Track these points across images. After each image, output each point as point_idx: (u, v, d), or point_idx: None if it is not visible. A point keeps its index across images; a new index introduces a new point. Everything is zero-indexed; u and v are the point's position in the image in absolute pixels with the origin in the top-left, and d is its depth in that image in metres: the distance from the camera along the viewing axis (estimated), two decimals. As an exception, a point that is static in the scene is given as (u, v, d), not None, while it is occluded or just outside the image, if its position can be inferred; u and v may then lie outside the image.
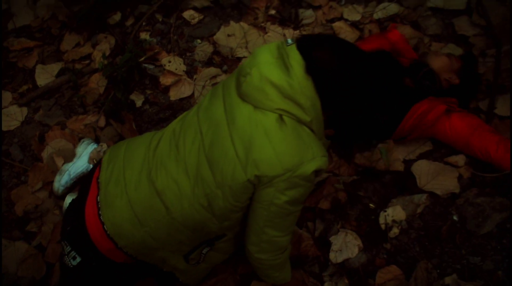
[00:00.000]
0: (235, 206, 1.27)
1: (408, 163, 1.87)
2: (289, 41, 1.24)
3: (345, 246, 1.70)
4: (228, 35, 2.38)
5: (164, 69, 2.29)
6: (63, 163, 2.00)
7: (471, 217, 1.69)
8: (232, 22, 2.42)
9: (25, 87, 2.35)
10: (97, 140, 2.12)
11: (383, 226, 1.73)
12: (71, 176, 1.92)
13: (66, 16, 2.51)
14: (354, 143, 1.96)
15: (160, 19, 2.51)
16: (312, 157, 1.19)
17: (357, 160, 1.90)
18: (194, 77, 2.27)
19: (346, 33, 2.32)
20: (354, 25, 2.37)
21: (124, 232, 1.30)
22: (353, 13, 2.41)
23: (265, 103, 1.19)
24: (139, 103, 2.22)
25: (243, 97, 1.23)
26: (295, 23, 2.44)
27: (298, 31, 2.38)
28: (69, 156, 2.03)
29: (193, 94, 2.22)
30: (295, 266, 1.64)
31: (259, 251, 1.37)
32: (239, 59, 2.32)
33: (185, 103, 2.21)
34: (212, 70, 2.28)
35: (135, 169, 1.34)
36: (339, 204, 1.80)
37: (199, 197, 1.25)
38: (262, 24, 2.43)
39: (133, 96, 2.23)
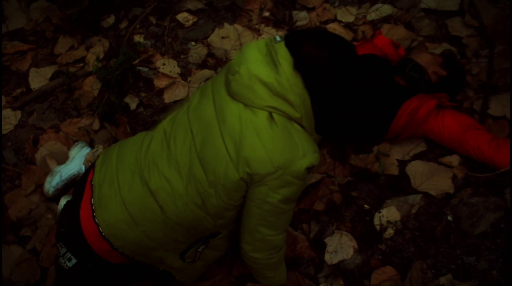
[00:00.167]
0: (229, 205, 1.27)
1: (402, 164, 1.88)
2: (278, 38, 1.24)
3: (340, 248, 1.70)
4: (222, 37, 2.38)
5: (158, 72, 2.28)
6: (56, 166, 1.99)
7: (465, 217, 1.69)
8: (226, 24, 2.42)
9: (18, 91, 2.34)
10: (91, 143, 2.11)
11: (378, 227, 1.73)
12: (63, 178, 1.91)
13: (60, 19, 2.50)
14: (348, 143, 1.96)
15: (154, 22, 2.50)
16: (303, 154, 1.20)
17: (352, 161, 1.90)
18: (189, 79, 2.27)
19: (340, 34, 2.31)
20: (348, 26, 2.38)
21: (119, 233, 1.30)
22: (347, 15, 2.41)
23: (255, 101, 1.19)
24: (133, 105, 2.21)
25: (232, 95, 1.23)
26: (289, 25, 2.44)
27: (291, 32, 2.39)
28: (62, 159, 2.02)
29: (187, 96, 2.22)
30: (290, 267, 1.64)
31: (253, 250, 1.37)
32: (234, 61, 2.33)
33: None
34: (206, 72, 2.27)
35: (128, 170, 1.34)
36: (334, 205, 1.80)
37: (192, 196, 1.25)
38: (256, 26, 2.43)
39: (127, 99, 2.23)
